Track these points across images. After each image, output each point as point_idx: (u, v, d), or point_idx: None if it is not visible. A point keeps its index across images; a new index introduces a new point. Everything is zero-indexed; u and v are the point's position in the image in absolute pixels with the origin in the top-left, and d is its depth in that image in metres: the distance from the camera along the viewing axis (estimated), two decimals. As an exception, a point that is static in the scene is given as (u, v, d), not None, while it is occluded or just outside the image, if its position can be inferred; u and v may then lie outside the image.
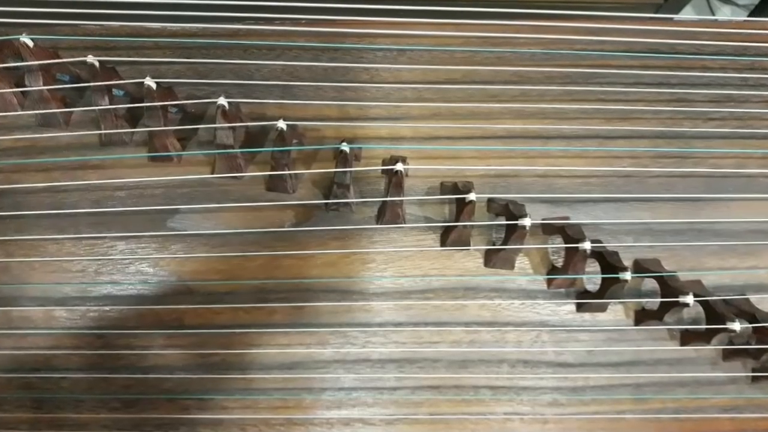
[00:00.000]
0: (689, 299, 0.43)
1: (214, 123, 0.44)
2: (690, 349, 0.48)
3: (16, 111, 0.47)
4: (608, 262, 0.45)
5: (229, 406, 0.48)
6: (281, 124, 0.44)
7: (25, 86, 0.46)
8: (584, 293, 0.48)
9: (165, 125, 0.46)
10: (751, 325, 0.45)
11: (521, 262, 0.48)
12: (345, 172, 0.44)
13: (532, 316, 0.48)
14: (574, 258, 0.45)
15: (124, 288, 0.47)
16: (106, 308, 0.47)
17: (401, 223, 0.47)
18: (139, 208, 0.47)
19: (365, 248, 0.47)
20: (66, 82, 0.48)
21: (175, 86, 0.48)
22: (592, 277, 0.47)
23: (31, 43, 0.44)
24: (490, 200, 0.48)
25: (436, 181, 0.49)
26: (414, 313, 0.47)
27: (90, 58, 0.44)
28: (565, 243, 0.46)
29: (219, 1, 0.47)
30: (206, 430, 0.48)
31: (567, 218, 0.48)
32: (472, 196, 0.44)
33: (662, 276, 0.46)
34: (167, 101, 0.46)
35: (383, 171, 0.48)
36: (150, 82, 0.44)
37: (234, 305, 0.47)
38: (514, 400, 0.48)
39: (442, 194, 0.48)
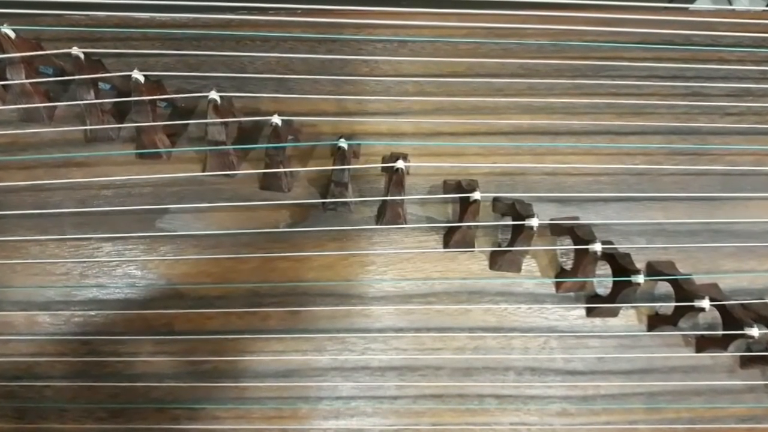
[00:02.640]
0: (705, 303, 0.43)
1: (206, 118, 0.44)
2: (706, 356, 0.48)
3: (-3, 105, 0.48)
4: (620, 265, 0.45)
5: (221, 416, 0.48)
6: (276, 120, 0.44)
7: (6, 79, 0.46)
8: (594, 297, 0.48)
9: (154, 120, 0.46)
10: (770, 331, 0.45)
11: (528, 264, 0.48)
12: (343, 169, 0.44)
13: (540, 321, 0.48)
14: (583, 260, 0.45)
15: (110, 292, 0.47)
16: (92, 313, 0.47)
17: (402, 224, 0.47)
18: (127, 207, 0.47)
19: (364, 250, 0.48)
20: (49, 75, 0.48)
21: (164, 79, 0.48)
22: (602, 280, 0.47)
23: (12, 34, 0.44)
24: (495, 199, 0.48)
25: (438, 179, 0.49)
26: (415, 318, 0.47)
27: (75, 50, 0.44)
28: (575, 244, 0.46)
29: (210, -10, 0.47)
30: (197, 441, 0.48)
31: (576, 218, 0.48)
32: (476, 195, 0.44)
33: (677, 279, 0.46)
34: (156, 95, 0.46)
35: (383, 169, 0.48)
36: (138, 75, 0.44)
37: (226, 310, 0.47)
38: (521, 410, 0.48)
39: (445, 193, 0.48)
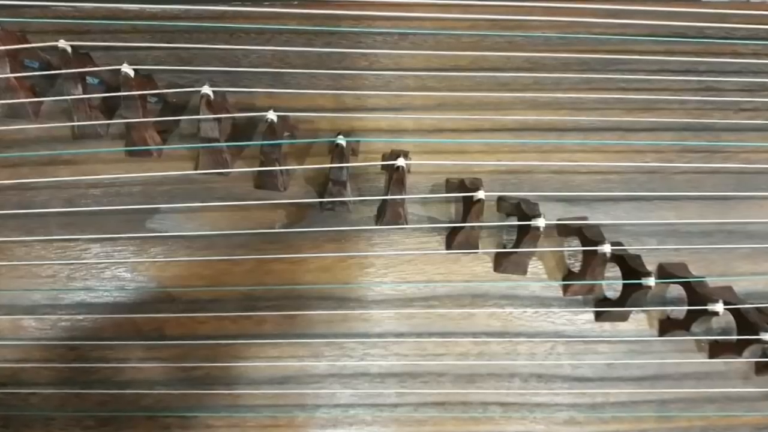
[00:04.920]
0: (719, 307, 0.43)
1: (198, 114, 0.44)
2: (719, 362, 0.48)
3: (-19, 101, 0.47)
4: (630, 267, 0.45)
5: (214, 424, 0.48)
6: (271, 116, 0.44)
7: (-10, 74, 0.46)
8: (603, 301, 0.48)
9: (144, 116, 0.46)
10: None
11: (534, 266, 0.48)
12: (341, 167, 0.44)
13: (547, 325, 0.48)
14: (592, 262, 0.45)
15: (98, 295, 0.47)
16: (80, 317, 0.47)
17: (403, 224, 0.47)
18: (116, 207, 0.47)
19: (363, 251, 0.47)
20: (35, 70, 0.48)
21: (154, 74, 0.48)
22: (612, 283, 0.47)
23: (-4, 27, 0.44)
24: (500, 199, 0.48)
25: (441, 177, 0.49)
26: (417, 322, 0.47)
27: (62, 43, 0.44)
28: (583, 245, 0.46)
29: (203, -20, 0.47)
30: (189, 451, 0.48)
31: (585, 218, 0.48)
32: (480, 195, 0.44)
33: (689, 282, 0.46)
34: (146, 90, 0.46)
35: (383, 167, 0.48)
36: (127, 69, 0.44)
37: (219, 314, 0.47)
38: (526, 418, 0.48)
39: (447, 192, 0.48)
